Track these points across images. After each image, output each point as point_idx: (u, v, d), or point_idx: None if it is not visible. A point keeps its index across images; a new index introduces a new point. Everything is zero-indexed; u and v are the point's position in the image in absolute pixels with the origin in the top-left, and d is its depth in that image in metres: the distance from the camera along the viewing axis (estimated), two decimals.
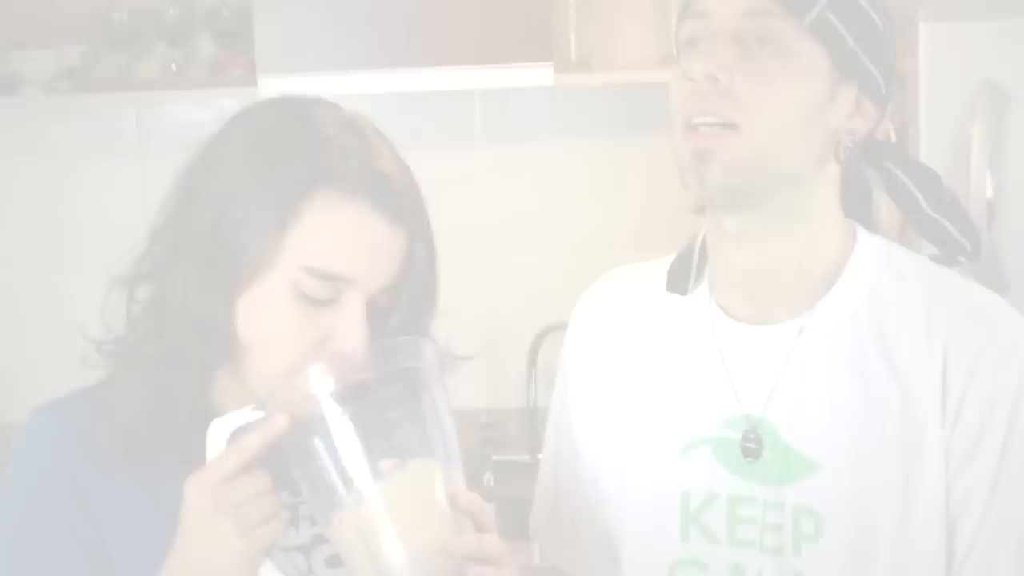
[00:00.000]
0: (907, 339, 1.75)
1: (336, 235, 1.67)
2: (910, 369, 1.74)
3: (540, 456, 3.84)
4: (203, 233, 1.69)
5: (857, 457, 1.73)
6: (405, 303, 1.73)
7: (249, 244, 1.67)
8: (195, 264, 1.69)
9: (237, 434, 1.59)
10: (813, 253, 1.78)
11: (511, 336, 3.94)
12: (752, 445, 1.78)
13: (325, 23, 3.36)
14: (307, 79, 3.30)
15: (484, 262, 3.94)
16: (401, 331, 1.71)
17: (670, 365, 1.84)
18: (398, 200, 1.71)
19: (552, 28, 3.43)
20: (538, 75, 3.36)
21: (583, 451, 1.93)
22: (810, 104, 1.71)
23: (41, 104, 3.72)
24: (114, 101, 3.78)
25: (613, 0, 3.70)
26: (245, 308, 1.69)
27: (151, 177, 1.77)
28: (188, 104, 3.79)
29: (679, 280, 1.86)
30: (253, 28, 3.41)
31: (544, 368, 3.91)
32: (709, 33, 1.72)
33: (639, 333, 1.88)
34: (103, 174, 3.83)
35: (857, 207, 1.85)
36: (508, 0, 3.35)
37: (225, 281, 1.68)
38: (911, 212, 1.84)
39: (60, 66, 3.69)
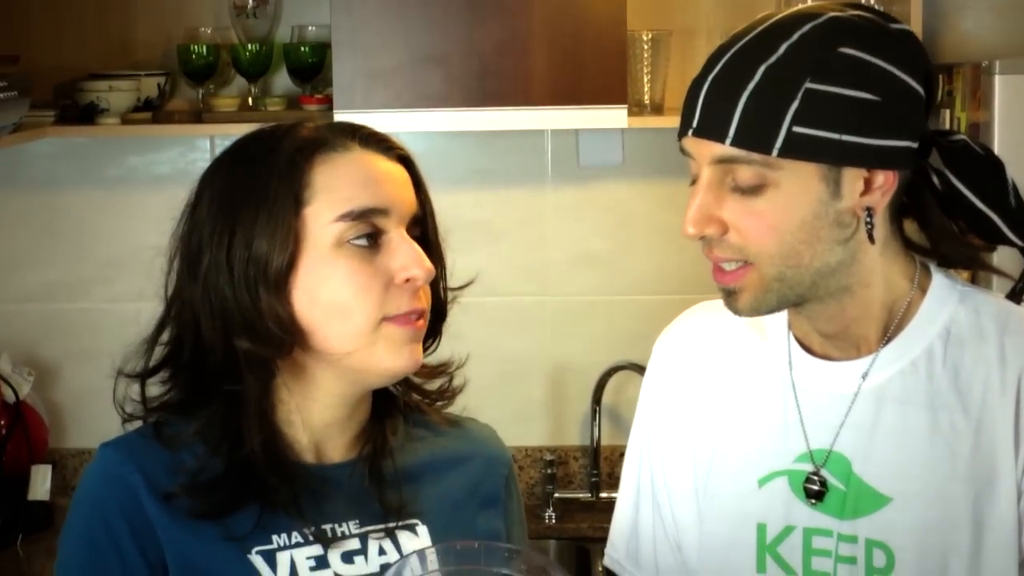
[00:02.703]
0: (981, 373, 1.76)
1: (351, 177, 1.76)
2: (983, 402, 1.75)
3: (603, 494, 3.87)
4: (225, 258, 1.74)
5: (928, 490, 1.75)
6: (427, 232, 1.81)
7: (277, 234, 1.72)
8: (231, 286, 1.74)
9: None
10: (879, 305, 1.79)
11: (576, 375, 3.94)
12: (814, 487, 1.80)
13: (401, 61, 3.38)
14: (382, 116, 3.32)
15: (551, 301, 3.94)
16: (432, 260, 1.78)
17: (748, 398, 1.87)
18: (380, 136, 1.81)
19: (627, 71, 3.45)
20: (613, 117, 3.38)
21: (663, 483, 1.94)
22: (811, 216, 1.70)
23: (118, 134, 3.75)
24: (189, 132, 3.82)
25: (686, 45, 3.73)
26: (302, 292, 1.74)
27: None
28: None
29: None
30: (330, 64, 3.44)
31: (607, 407, 3.92)
32: (698, 179, 1.73)
33: (720, 366, 1.91)
34: (178, 204, 3.85)
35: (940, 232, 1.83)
36: (583, 43, 3.36)
37: (274, 280, 1.73)
38: (963, 210, 1.81)
39: (137, 97, 3.73)
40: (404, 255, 1.74)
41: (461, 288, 1.89)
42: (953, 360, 1.77)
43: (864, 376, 1.79)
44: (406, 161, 1.81)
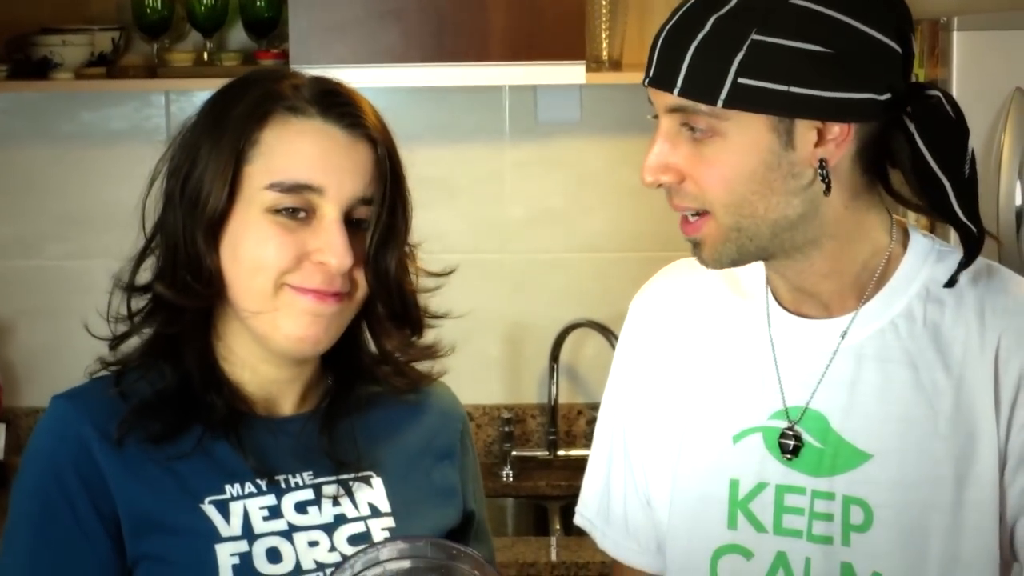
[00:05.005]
0: (960, 333, 1.77)
1: (293, 147, 1.73)
2: (963, 360, 1.76)
3: (560, 452, 3.87)
4: (180, 190, 1.75)
5: (908, 446, 1.76)
6: (381, 217, 1.76)
7: (215, 182, 1.73)
8: (180, 220, 1.75)
9: None
10: (851, 260, 1.79)
11: (534, 333, 3.94)
12: (789, 442, 1.80)
13: (358, 16, 3.36)
14: (339, 71, 3.29)
15: (509, 258, 3.94)
16: (381, 246, 1.76)
17: (725, 355, 1.87)
18: (351, 110, 1.76)
19: (585, 27, 3.44)
20: (571, 73, 3.37)
21: (636, 442, 1.94)
22: (762, 167, 1.71)
23: (72, 89, 3.72)
24: (144, 88, 3.79)
25: (644, 1, 3.71)
26: (227, 244, 1.75)
27: None
28: None
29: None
30: (286, 19, 3.41)
31: (565, 365, 3.92)
32: (658, 126, 1.74)
33: (697, 325, 1.91)
34: (132, 160, 3.83)
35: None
36: None
37: (205, 225, 1.73)
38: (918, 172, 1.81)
39: (91, 52, 3.69)
40: (325, 239, 1.72)
41: (440, 275, 1.91)
42: (933, 320, 1.78)
43: (843, 334, 1.80)
44: (376, 142, 1.76)
